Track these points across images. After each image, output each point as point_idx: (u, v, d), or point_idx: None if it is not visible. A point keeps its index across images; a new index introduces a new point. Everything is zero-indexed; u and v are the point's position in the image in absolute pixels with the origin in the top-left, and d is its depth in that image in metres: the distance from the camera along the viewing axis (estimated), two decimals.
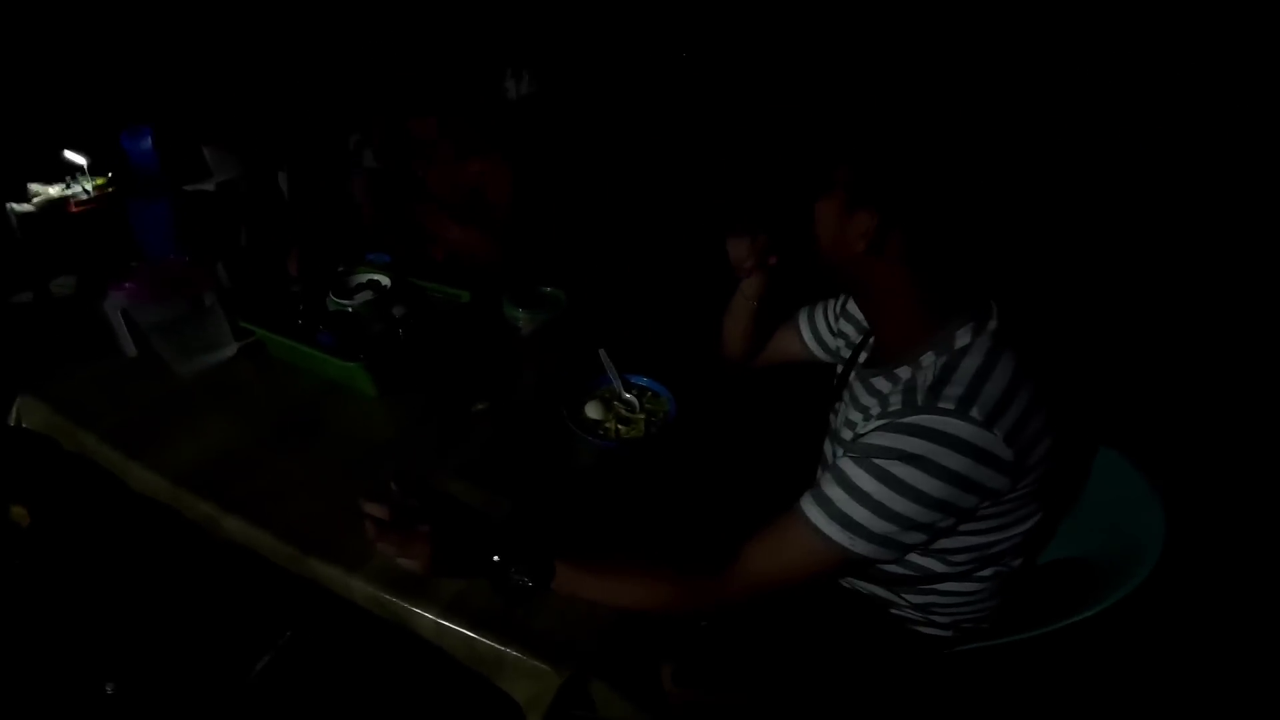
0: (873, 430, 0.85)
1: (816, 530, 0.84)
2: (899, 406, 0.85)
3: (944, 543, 0.92)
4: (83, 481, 1.52)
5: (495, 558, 0.92)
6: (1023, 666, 1.11)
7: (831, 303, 1.27)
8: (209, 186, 3.44)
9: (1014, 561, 1.01)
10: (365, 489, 1.03)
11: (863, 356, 1.10)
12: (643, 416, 1.27)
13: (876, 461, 0.81)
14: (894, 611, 1.07)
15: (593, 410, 1.26)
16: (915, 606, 1.05)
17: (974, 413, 0.78)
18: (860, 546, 0.83)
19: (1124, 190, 3.70)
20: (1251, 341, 2.75)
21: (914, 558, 0.95)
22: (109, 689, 1.61)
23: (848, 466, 0.84)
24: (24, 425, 1.47)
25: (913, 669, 1.10)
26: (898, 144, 0.89)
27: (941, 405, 0.80)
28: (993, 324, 0.89)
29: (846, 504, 0.82)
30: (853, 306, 1.22)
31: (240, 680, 1.64)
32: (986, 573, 0.99)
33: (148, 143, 3.34)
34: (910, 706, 1.13)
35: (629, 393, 1.32)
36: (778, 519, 0.89)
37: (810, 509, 0.86)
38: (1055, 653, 1.06)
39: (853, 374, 1.08)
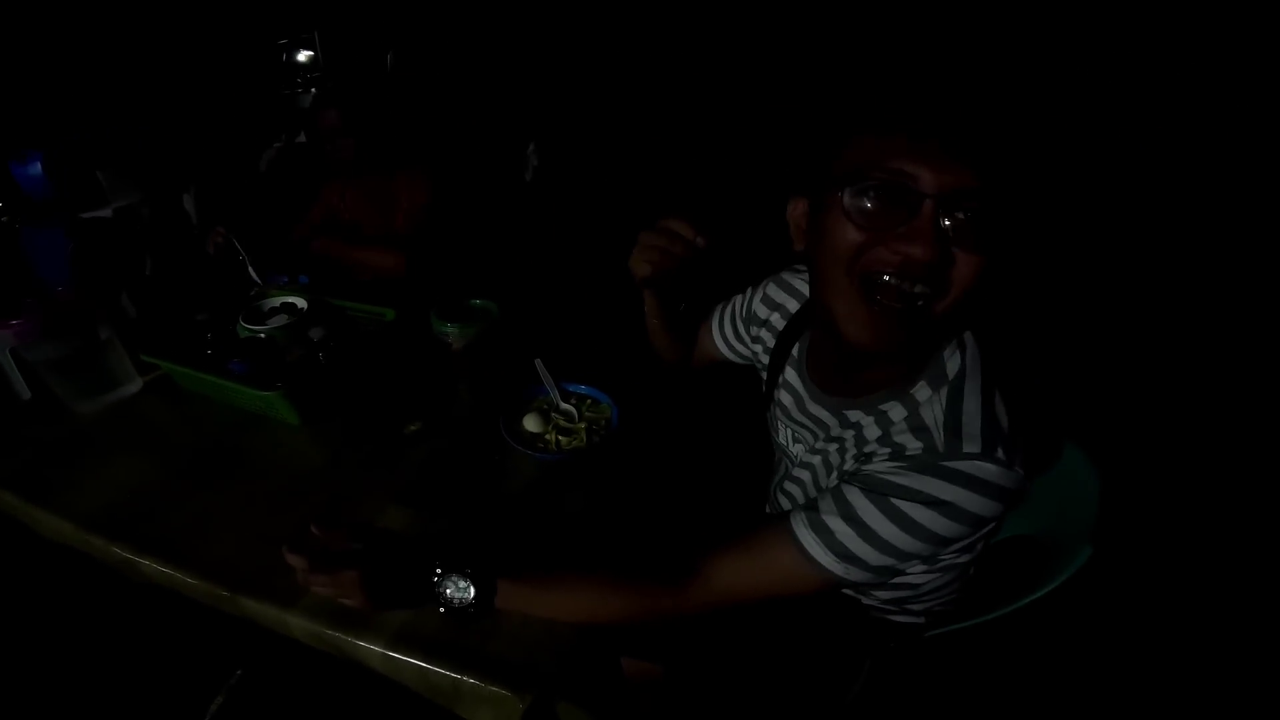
0: (890, 467, 0.79)
1: (809, 558, 0.80)
2: (918, 449, 0.78)
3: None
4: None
5: (434, 578, 0.88)
6: (989, 643, 1.14)
7: (739, 300, 1.22)
8: (106, 213, 3.24)
9: (978, 547, 0.98)
10: (296, 521, 0.99)
11: (792, 373, 1.04)
12: (583, 426, 1.23)
13: (894, 502, 0.77)
14: (864, 600, 1.07)
15: (531, 423, 1.23)
16: (885, 600, 1.05)
17: (1000, 454, 0.74)
18: (855, 575, 0.80)
19: (1078, 195, 3.88)
20: (1198, 334, 2.93)
21: None
22: None
23: (855, 500, 0.79)
24: None
25: (883, 651, 1.11)
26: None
27: (968, 449, 0.75)
28: (971, 345, 0.85)
29: (849, 538, 0.79)
30: (761, 307, 1.16)
31: None
32: (959, 560, 0.96)
33: (37, 168, 3.14)
34: (884, 687, 1.13)
35: (567, 402, 1.28)
36: (755, 535, 0.86)
37: (804, 534, 0.81)
38: (1020, 628, 1.09)
39: (809, 398, 1.00)
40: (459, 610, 0.87)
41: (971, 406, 0.78)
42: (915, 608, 1.06)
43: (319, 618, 0.93)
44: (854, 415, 0.90)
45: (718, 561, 0.86)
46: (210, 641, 1.68)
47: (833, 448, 0.93)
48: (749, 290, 1.19)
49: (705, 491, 1.29)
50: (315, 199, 2.13)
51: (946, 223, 0.69)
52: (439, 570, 0.88)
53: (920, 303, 0.72)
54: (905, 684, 1.14)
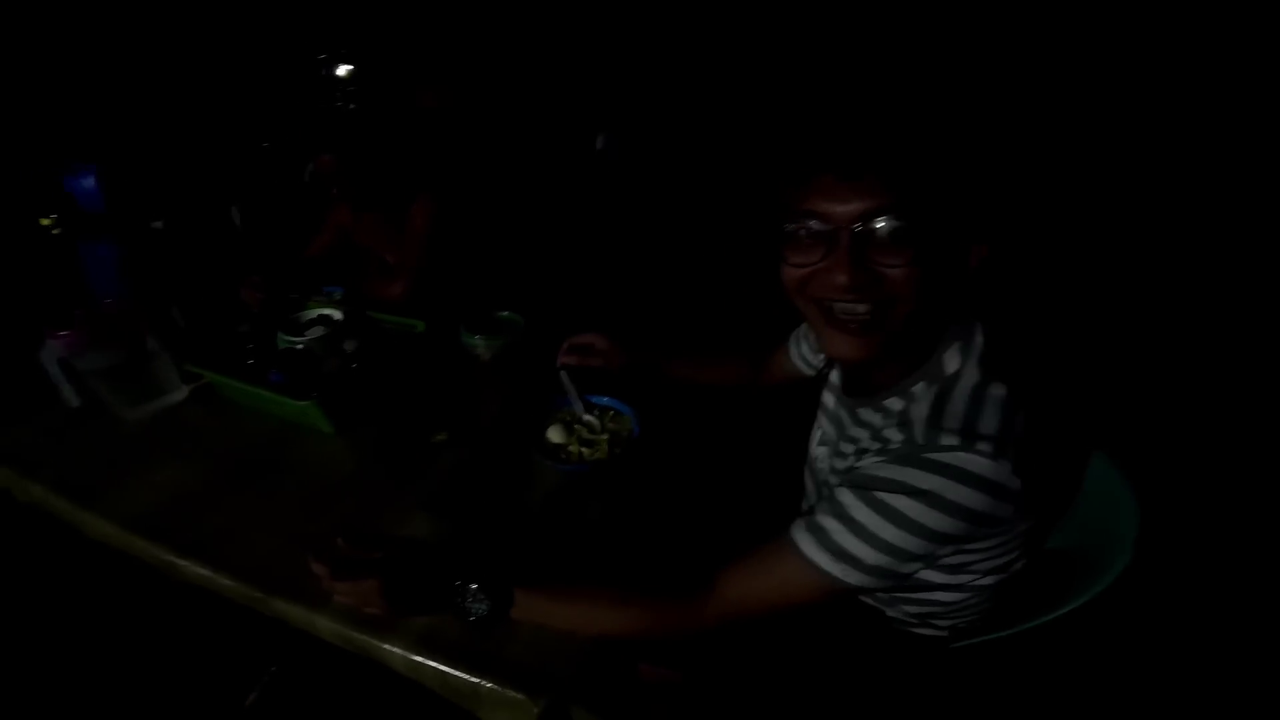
0: (873, 462, 0.81)
1: (808, 561, 0.81)
2: (899, 441, 0.81)
3: (944, 560, 0.89)
4: (40, 532, 1.49)
5: (453, 589, 0.91)
6: (1018, 658, 1.12)
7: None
8: (157, 225, 3.36)
9: (1015, 565, 0.98)
10: (329, 526, 1.03)
11: (835, 375, 1.08)
12: (605, 437, 1.26)
13: (878, 495, 0.78)
14: (889, 614, 1.07)
15: (554, 434, 1.25)
16: (912, 614, 1.05)
17: (981, 445, 0.75)
18: (853, 578, 0.80)
19: (1096, 197, 3.84)
20: (1228, 341, 2.85)
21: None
22: None
23: (845, 498, 0.81)
24: None
25: (906, 664, 1.10)
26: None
27: (945, 440, 0.76)
28: (979, 345, 0.87)
29: (841, 535, 0.80)
30: None
31: (231, 717, 1.63)
32: (987, 580, 0.96)
33: (91, 181, 3.27)
34: (905, 700, 1.13)
35: (590, 414, 1.31)
36: (762, 546, 0.87)
37: (801, 538, 0.83)
38: (1046, 642, 1.08)
39: (834, 400, 1.05)
40: (476, 620, 0.90)
41: (958, 402, 0.80)
42: (941, 623, 1.05)
43: (345, 621, 0.97)
44: (865, 414, 0.95)
45: (728, 575, 0.87)
46: (246, 639, 1.74)
47: (849, 447, 0.96)
48: None
49: (727, 504, 1.30)
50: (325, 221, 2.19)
51: (864, 244, 0.76)
52: (457, 581, 0.91)
53: (868, 316, 0.79)
54: (931, 697, 1.13)
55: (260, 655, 1.73)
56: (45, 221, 3.31)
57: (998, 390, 0.81)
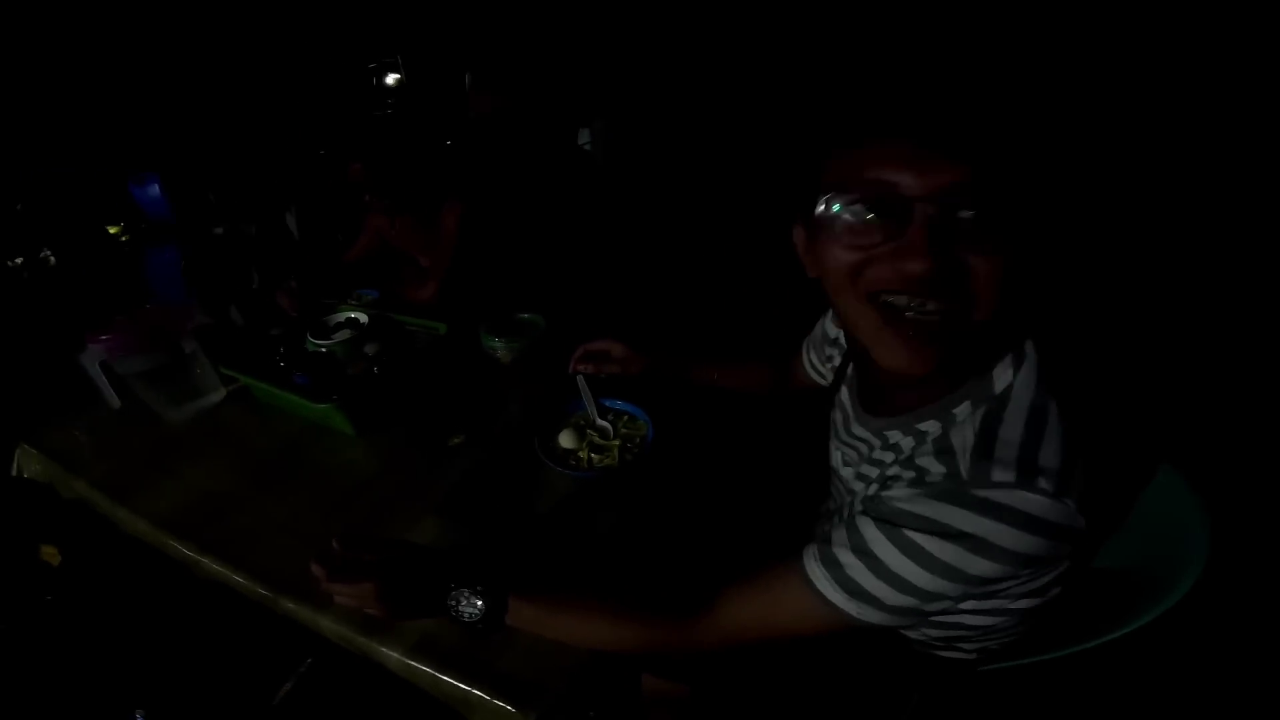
0: (907, 494, 0.70)
1: (818, 594, 0.73)
2: (939, 474, 0.70)
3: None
4: (83, 526, 1.55)
5: (448, 592, 0.90)
6: (1054, 683, 1.04)
7: (819, 323, 1.20)
8: (217, 231, 3.51)
9: (1053, 591, 0.84)
10: (339, 529, 1.06)
11: (845, 393, 0.98)
12: (617, 443, 1.24)
13: (907, 533, 0.68)
14: (910, 635, 0.99)
15: (566, 439, 1.24)
16: (936, 638, 0.96)
17: (1041, 483, 0.64)
18: (870, 616, 0.72)
19: (1146, 200, 3.61)
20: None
21: None
22: (139, 717, 1.64)
23: (868, 531, 0.71)
24: (25, 475, 1.50)
25: (926, 686, 1.03)
26: None
27: (998, 476, 0.65)
28: (1032, 359, 0.74)
29: (859, 573, 0.71)
30: (830, 326, 1.15)
31: (265, 707, 1.66)
32: (1021, 605, 0.83)
33: (155, 189, 3.43)
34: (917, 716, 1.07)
35: (604, 418, 1.30)
36: (769, 570, 0.80)
37: (813, 569, 0.75)
38: (1091, 668, 1.00)
39: (849, 418, 0.95)
40: (469, 625, 0.90)
41: (1012, 428, 0.68)
42: (968, 646, 0.97)
43: (346, 622, 0.99)
44: (893, 436, 0.83)
45: (730, 598, 0.82)
46: (283, 631, 1.78)
47: (873, 471, 0.85)
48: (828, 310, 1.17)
49: (740, 516, 1.27)
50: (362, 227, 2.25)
51: (945, 228, 0.61)
52: (452, 585, 0.90)
53: (939, 319, 0.65)
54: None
55: (296, 647, 1.75)
56: (114, 230, 3.50)
57: (1054, 412, 0.70)
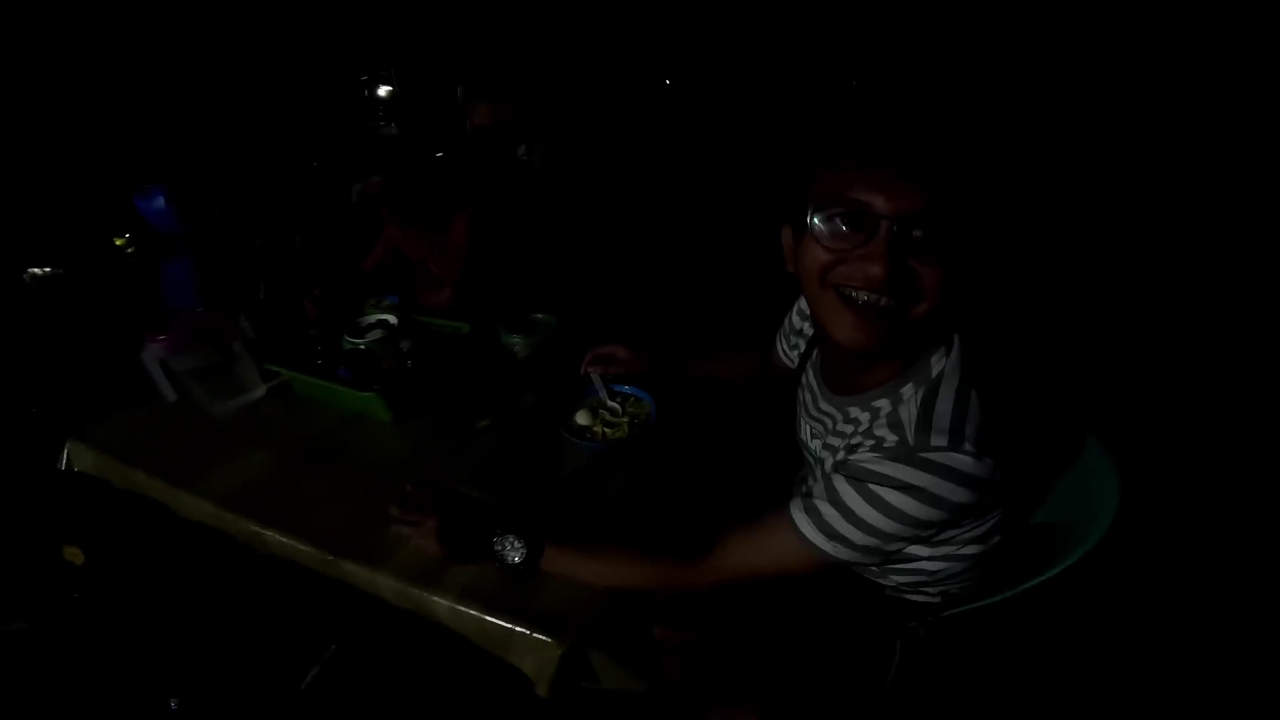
0: (869, 457, 0.88)
1: (803, 537, 0.91)
2: (893, 441, 0.88)
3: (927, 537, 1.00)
4: (135, 515, 1.68)
5: (494, 537, 1.07)
6: (1005, 625, 1.24)
7: (785, 320, 1.39)
8: (225, 243, 3.62)
9: (994, 537, 1.06)
10: (387, 499, 1.22)
11: (812, 376, 1.16)
12: (626, 420, 1.43)
13: (871, 486, 0.86)
14: (881, 581, 1.18)
15: (581, 417, 1.43)
16: (904, 584, 1.16)
17: (967, 446, 0.82)
18: (842, 554, 0.90)
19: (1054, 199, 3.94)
20: (1207, 334, 3.04)
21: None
22: (173, 705, 1.75)
23: (840, 486, 0.89)
24: (75, 469, 1.61)
25: (908, 631, 1.21)
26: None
27: (935, 442, 0.83)
28: (957, 349, 0.93)
29: (835, 519, 0.89)
30: (796, 319, 1.33)
31: (292, 691, 1.78)
32: (969, 550, 1.05)
33: (160, 202, 3.51)
34: (901, 662, 1.26)
35: (613, 400, 1.48)
36: (762, 519, 0.98)
37: (799, 517, 0.93)
38: (1031, 610, 1.18)
39: (818, 398, 1.13)
40: (510, 567, 1.07)
41: (944, 405, 0.87)
42: (931, 590, 1.16)
43: (402, 576, 1.14)
44: (853, 412, 1.01)
45: (730, 541, 1.00)
46: (309, 618, 1.91)
47: (838, 441, 1.03)
48: (795, 305, 1.36)
49: (730, 480, 1.44)
50: (378, 237, 2.38)
51: (902, 242, 0.79)
52: (499, 531, 1.08)
53: (889, 310, 0.83)
54: (934, 665, 1.25)
55: (321, 634, 1.89)
56: (119, 241, 3.60)
57: (978, 391, 0.89)
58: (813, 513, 0.92)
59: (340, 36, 4.83)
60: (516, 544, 1.07)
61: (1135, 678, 1.73)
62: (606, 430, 1.41)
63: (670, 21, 5.12)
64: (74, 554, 2.14)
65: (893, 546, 0.91)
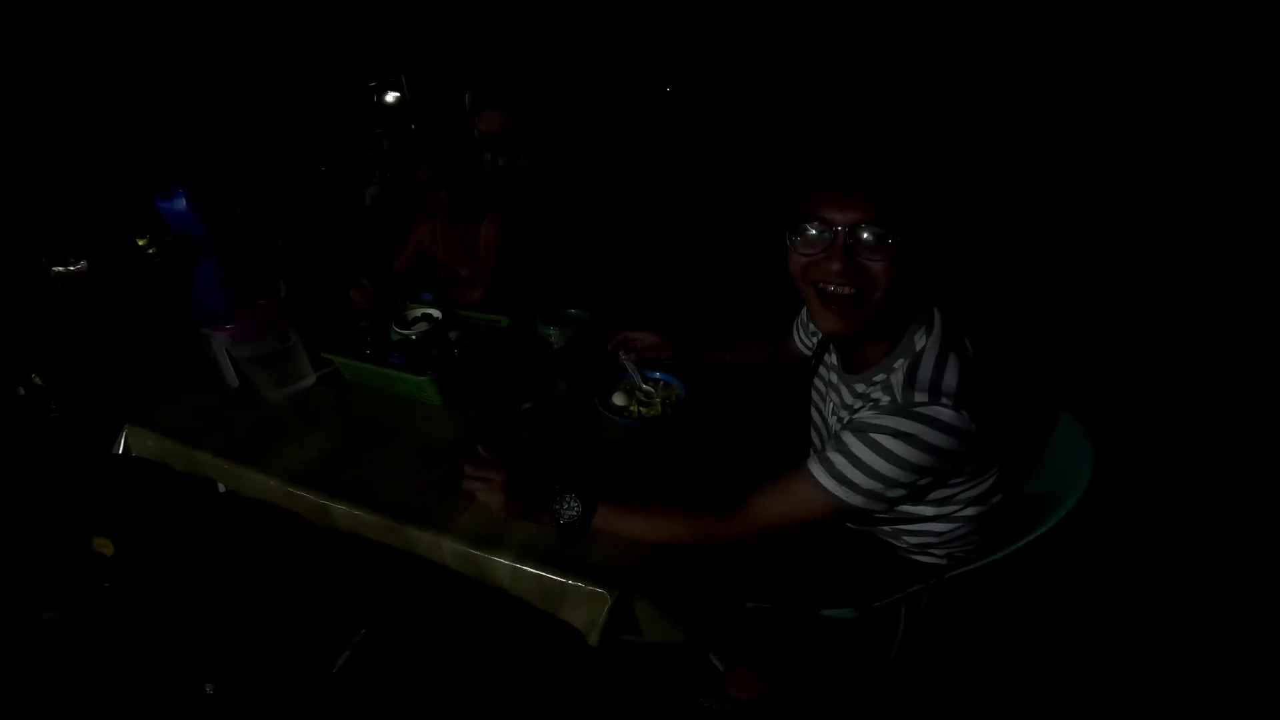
0: (869, 413, 1.06)
1: (818, 485, 1.07)
2: (887, 401, 1.06)
3: (930, 494, 1.18)
4: (183, 500, 1.78)
5: (555, 496, 1.22)
6: (1001, 584, 1.39)
7: (802, 313, 1.59)
8: (245, 243, 3.71)
9: (993, 499, 1.26)
10: (445, 473, 1.37)
11: (831, 358, 1.33)
12: (659, 400, 1.58)
13: (872, 435, 1.03)
14: (893, 543, 1.35)
15: (618, 398, 1.59)
16: (913, 545, 1.32)
17: (944, 400, 1.00)
18: (853, 499, 1.05)
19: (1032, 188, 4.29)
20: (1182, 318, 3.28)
21: (905, 505, 1.19)
22: (209, 689, 1.84)
23: (847, 438, 1.05)
24: (133, 454, 1.72)
25: (915, 596, 1.38)
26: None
27: (918, 398, 1.02)
28: (938, 326, 1.10)
29: (844, 466, 1.05)
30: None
31: (324, 675, 1.88)
32: (969, 512, 1.24)
33: (182, 204, 3.59)
34: (906, 628, 1.42)
35: (646, 384, 1.63)
36: (784, 474, 1.13)
37: (815, 468, 1.08)
38: (1021, 572, 1.35)
39: (834, 376, 1.29)
40: (567, 523, 1.21)
41: (925, 370, 1.05)
42: (938, 552, 1.33)
43: (465, 539, 1.27)
44: (860, 387, 1.18)
45: (758, 496, 1.15)
46: (342, 604, 2.02)
47: (845, 412, 1.21)
48: None
49: (752, 452, 1.60)
50: (408, 237, 2.49)
51: (854, 243, 1.01)
52: (558, 487, 1.22)
53: (853, 299, 1.05)
54: (937, 625, 1.40)
55: (353, 620, 1.99)
56: (141, 242, 3.68)
57: (955, 359, 1.06)
58: (825, 462, 1.08)
59: (351, 42, 4.93)
60: (573, 503, 1.21)
61: (1114, 640, 1.88)
62: (641, 409, 1.56)
63: (672, 28, 5.30)
64: (104, 545, 2.25)
65: (894, 493, 1.06)
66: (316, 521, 1.46)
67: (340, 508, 1.39)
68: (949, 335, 1.11)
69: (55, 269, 3.47)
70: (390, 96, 5.02)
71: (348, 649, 1.93)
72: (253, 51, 4.56)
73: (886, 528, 1.33)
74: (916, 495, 1.13)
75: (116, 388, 2.83)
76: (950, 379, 1.04)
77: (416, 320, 1.80)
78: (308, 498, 1.44)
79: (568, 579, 1.18)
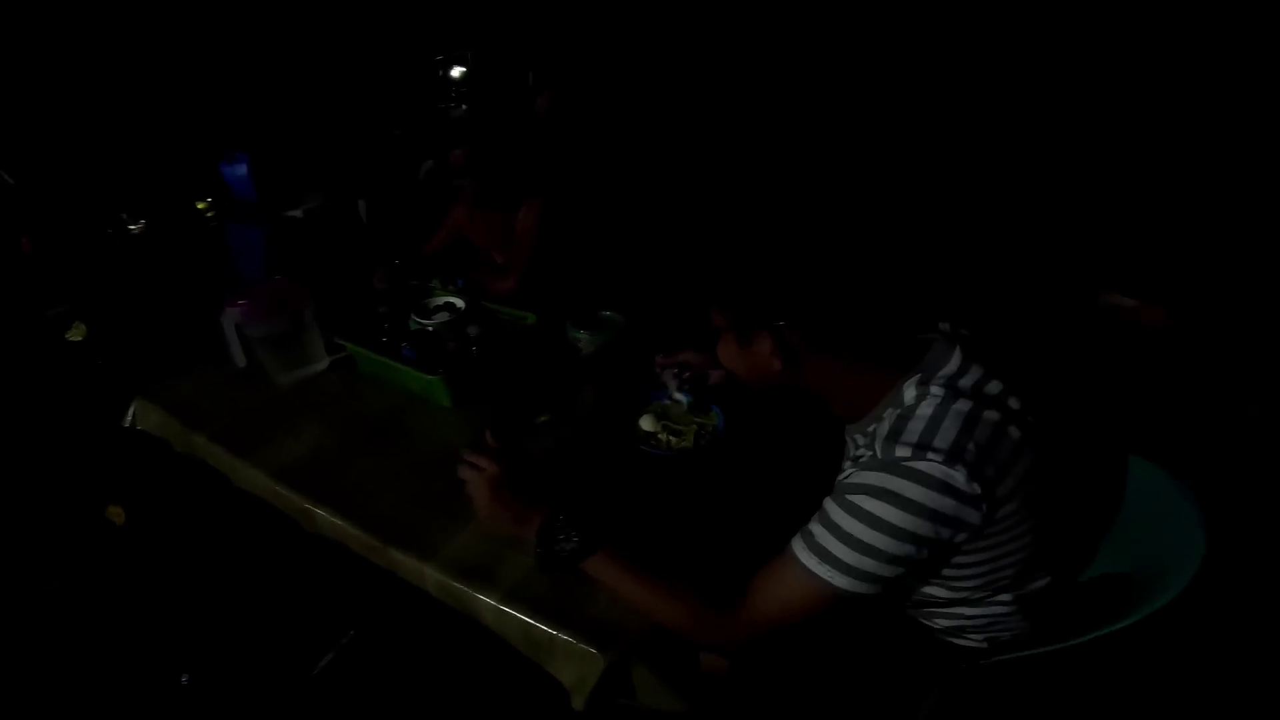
0: (849, 473, 0.92)
1: (802, 567, 0.90)
2: (868, 457, 0.93)
3: (943, 570, 0.97)
4: (187, 481, 1.70)
5: (555, 520, 1.05)
6: (1062, 679, 1.16)
7: None
8: (298, 213, 3.69)
9: (1031, 583, 1.04)
10: (441, 486, 1.23)
11: None
12: (693, 427, 1.37)
13: (849, 497, 0.88)
14: (925, 624, 1.14)
15: (646, 423, 1.38)
16: (944, 628, 1.11)
17: (931, 455, 0.85)
18: (841, 581, 0.88)
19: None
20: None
21: (916, 588, 1.02)
22: (184, 679, 1.77)
23: (828, 504, 0.91)
24: (139, 427, 1.65)
25: (950, 676, 1.15)
26: (757, 267, 0.99)
27: (899, 453, 0.87)
28: (943, 374, 0.94)
29: (825, 539, 0.89)
30: None
31: (304, 676, 1.79)
32: (1004, 597, 1.03)
33: (243, 170, 3.61)
34: (946, 708, 1.19)
35: (677, 394, 1.43)
36: (774, 559, 0.95)
37: (797, 546, 0.92)
38: (1098, 664, 1.10)
39: (847, 428, 1.13)
40: (554, 556, 1.04)
41: (916, 422, 0.89)
42: (975, 636, 1.11)
43: (449, 570, 1.12)
44: (858, 438, 1.04)
45: (753, 587, 0.96)
46: (332, 601, 1.92)
47: (849, 466, 1.04)
48: None
49: (792, 508, 1.39)
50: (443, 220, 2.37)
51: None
52: (561, 517, 1.05)
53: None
54: (973, 709, 1.18)
55: (341, 621, 1.89)
56: (200, 205, 3.70)
57: (961, 407, 0.89)
58: (806, 536, 0.92)
59: (417, 17, 4.91)
60: (574, 536, 1.03)
61: None
62: (672, 439, 1.36)
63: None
64: (116, 513, 2.22)
65: (889, 571, 0.88)
66: (302, 524, 1.34)
67: (324, 514, 1.28)
68: (962, 378, 0.95)
69: (122, 227, 3.49)
70: (456, 71, 4.96)
71: (332, 650, 1.84)
72: (320, 22, 4.57)
73: (913, 610, 1.13)
74: (920, 574, 0.97)
75: (150, 352, 2.79)
76: (947, 431, 0.87)
77: (438, 310, 1.65)
78: (293, 499, 1.33)
79: (558, 631, 1.02)
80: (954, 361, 0.96)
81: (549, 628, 1.02)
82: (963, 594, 1.02)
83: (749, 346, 0.98)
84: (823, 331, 0.93)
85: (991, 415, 0.90)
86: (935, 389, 0.93)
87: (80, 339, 2.96)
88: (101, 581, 2.08)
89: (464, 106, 4.70)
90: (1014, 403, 0.94)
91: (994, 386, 0.94)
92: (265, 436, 1.46)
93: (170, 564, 2.11)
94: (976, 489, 0.85)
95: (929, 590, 1.02)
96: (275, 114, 4.21)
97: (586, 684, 0.99)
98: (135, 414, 1.65)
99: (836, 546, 0.88)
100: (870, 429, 0.99)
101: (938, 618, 1.11)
